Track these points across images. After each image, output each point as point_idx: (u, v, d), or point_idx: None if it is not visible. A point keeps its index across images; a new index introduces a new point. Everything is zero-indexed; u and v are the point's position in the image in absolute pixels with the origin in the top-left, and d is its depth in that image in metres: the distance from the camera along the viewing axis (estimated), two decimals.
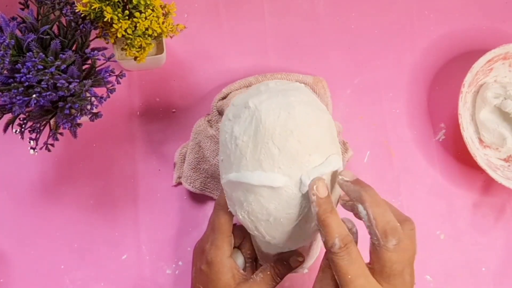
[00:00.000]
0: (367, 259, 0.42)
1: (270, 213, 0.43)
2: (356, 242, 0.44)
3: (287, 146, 0.41)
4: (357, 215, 0.44)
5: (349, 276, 0.39)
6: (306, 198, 0.42)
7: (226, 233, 0.49)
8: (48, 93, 0.45)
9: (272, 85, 0.46)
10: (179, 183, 0.61)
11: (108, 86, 0.49)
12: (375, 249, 0.40)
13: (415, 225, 0.43)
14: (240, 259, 0.51)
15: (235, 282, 0.47)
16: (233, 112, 0.45)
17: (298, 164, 0.41)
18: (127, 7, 0.51)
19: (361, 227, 0.44)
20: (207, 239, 0.49)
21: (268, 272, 0.48)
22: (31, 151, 0.49)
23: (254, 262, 0.52)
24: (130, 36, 0.52)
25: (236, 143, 0.43)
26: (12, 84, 0.45)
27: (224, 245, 0.48)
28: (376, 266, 0.40)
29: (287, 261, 0.49)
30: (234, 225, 0.51)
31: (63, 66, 0.46)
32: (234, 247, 0.52)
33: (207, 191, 0.60)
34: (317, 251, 0.52)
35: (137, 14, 0.51)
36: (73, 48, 0.50)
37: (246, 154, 0.42)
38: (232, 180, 0.43)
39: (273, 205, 0.42)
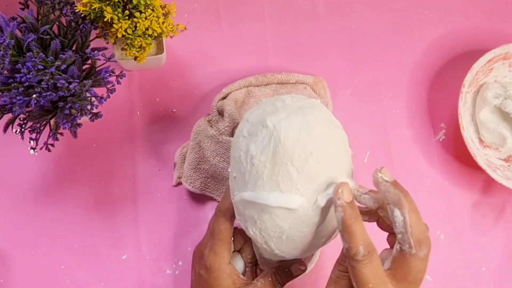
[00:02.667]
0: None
1: (283, 231, 0.42)
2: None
3: (306, 167, 0.40)
4: (375, 214, 0.43)
5: (370, 285, 0.38)
6: (320, 215, 0.42)
7: (226, 240, 0.48)
8: (48, 93, 0.45)
9: (288, 101, 0.45)
10: (179, 183, 0.61)
11: (108, 86, 0.49)
12: (402, 256, 0.39)
13: (429, 229, 0.42)
14: (240, 263, 0.51)
15: (235, 287, 0.47)
16: (248, 129, 0.44)
17: (316, 185, 0.41)
18: (127, 7, 0.51)
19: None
20: (206, 245, 0.49)
21: (270, 279, 0.48)
22: (31, 151, 0.49)
23: (254, 266, 0.51)
24: (130, 36, 0.52)
25: (252, 162, 0.42)
26: (12, 84, 0.45)
27: (223, 252, 0.48)
28: (398, 272, 0.39)
29: (288, 268, 0.48)
30: (235, 229, 0.51)
31: (63, 66, 0.46)
32: (234, 251, 0.51)
33: (207, 191, 0.60)
34: (318, 255, 0.52)
35: (137, 14, 0.51)
36: (73, 48, 0.50)
37: (263, 174, 0.41)
38: (246, 199, 0.43)
39: (288, 224, 0.42)
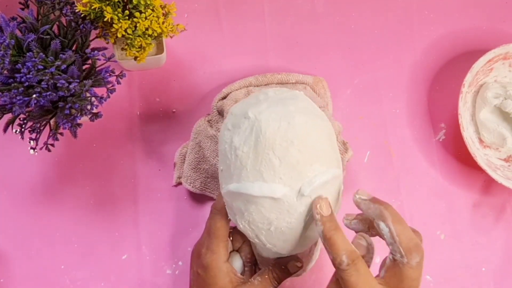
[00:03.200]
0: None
1: (271, 223, 0.42)
2: (372, 258, 0.44)
3: (288, 156, 0.41)
4: (370, 232, 0.44)
5: None
6: (306, 206, 0.42)
7: (222, 238, 0.48)
8: (48, 93, 0.45)
9: (271, 94, 0.45)
10: (179, 183, 0.61)
11: (108, 86, 0.49)
12: (395, 265, 0.40)
13: (422, 237, 0.43)
14: (238, 263, 0.51)
15: (233, 285, 0.47)
16: (232, 122, 0.44)
17: (299, 174, 0.41)
18: (127, 7, 0.51)
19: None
20: (203, 244, 0.49)
21: (266, 276, 0.48)
22: (31, 151, 0.49)
23: (253, 266, 0.51)
24: (130, 36, 0.52)
25: (236, 153, 0.42)
26: (12, 84, 0.45)
27: (220, 250, 0.48)
28: (392, 281, 0.40)
29: (285, 265, 0.48)
30: (234, 228, 0.51)
31: (63, 66, 0.46)
32: (233, 251, 0.51)
33: (207, 191, 0.60)
34: (317, 254, 0.52)
35: (137, 14, 0.51)
36: (73, 48, 0.50)
37: (247, 165, 0.42)
38: (232, 190, 0.43)
39: (274, 214, 0.42)
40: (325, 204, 0.41)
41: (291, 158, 0.41)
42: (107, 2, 0.50)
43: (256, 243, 0.46)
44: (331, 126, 0.45)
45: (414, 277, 0.40)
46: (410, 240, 0.40)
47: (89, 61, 0.50)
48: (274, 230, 0.43)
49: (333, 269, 0.41)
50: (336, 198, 0.45)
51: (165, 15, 0.54)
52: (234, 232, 0.51)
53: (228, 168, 0.44)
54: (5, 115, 0.49)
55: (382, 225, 0.40)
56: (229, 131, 0.44)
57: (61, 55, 0.46)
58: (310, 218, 0.43)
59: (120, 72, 0.50)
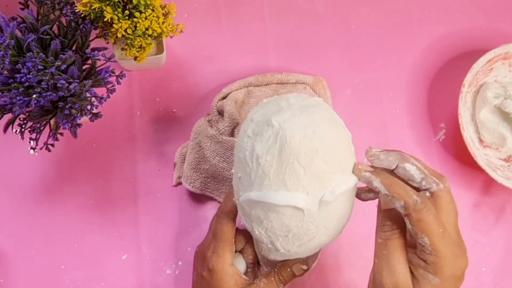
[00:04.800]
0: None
1: (290, 230, 0.42)
2: None
3: (313, 166, 0.41)
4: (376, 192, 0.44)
5: (440, 230, 0.39)
6: (327, 213, 0.42)
7: (229, 242, 0.48)
8: (48, 93, 0.45)
9: (292, 100, 0.44)
10: (179, 183, 0.61)
11: (108, 86, 0.49)
12: (434, 197, 0.41)
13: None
14: (242, 264, 0.51)
15: (238, 287, 0.47)
16: (253, 129, 0.43)
17: (322, 183, 0.41)
18: (127, 7, 0.51)
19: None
20: (209, 246, 0.49)
21: (272, 278, 0.48)
22: (31, 151, 0.49)
23: (255, 266, 0.52)
24: (130, 36, 0.52)
25: (258, 162, 0.42)
26: (12, 84, 0.45)
27: (226, 253, 0.48)
28: (440, 214, 0.40)
29: (291, 268, 0.48)
30: (236, 229, 0.51)
31: (63, 66, 0.46)
32: (236, 251, 0.51)
33: (207, 191, 0.60)
34: (320, 253, 0.52)
35: (137, 14, 0.51)
36: (73, 48, 0.50)
37: (270, 174, 0.41)
38: (253, 199, 0.42)
39: (294, 222, 0.42)
40: (364, 165, 0.43)
41: (316, 168, 0.41)
42: (107, 2, 0.50)
43: (267, 248, 0.46)
44: (349, 132, 0.45)
45: (451, 199, 0.41)
46: (433, 170, 0.42)
47: (89, 61, 0.50)
48: (292, 237, 0.43)
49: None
50: (353, 203, 0.45)
51: (165, 15, 0.54)
52: (237, 233, 0.51)
53: (248, 176, 0.43)
54: (5, 115, 0.49)
55: (408, 166, 0.42)
56: (249, 138, 0.43)
57: (61, 55, 0.46)
58: (328, 224, 0.43)
59: (120, 72, 0.50)
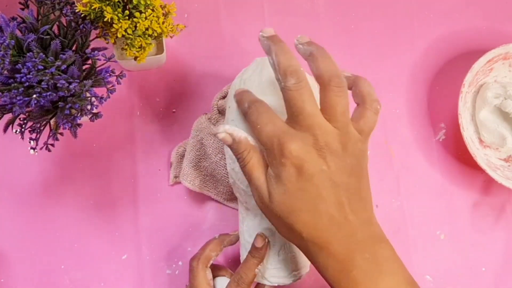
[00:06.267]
0: None
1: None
2: None
3: None
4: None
5: (265, 120, 0.42)
6: None
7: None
8: (48, 93, 0.45)
9: None
10: (176, 183, 0.61)
11: (108, 86, 0.49)
12: (283, 91, 0.42)
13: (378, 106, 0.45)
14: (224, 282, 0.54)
15: None
16: (239, 80, 0.52)
17: None
18: (127, 7, 0.51)
19: None
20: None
21: None
22: (31, 151, 0.49)
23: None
24: (130, 36, 0.52)
25: (245, 83, 0.50)
26: (12, 84, 0.45)
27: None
28: (286, 109, 0.42)
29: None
30: (211, 240, 0.55)
31: (63, 66, 0.46)
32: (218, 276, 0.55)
33: (205, 190, 0.60)
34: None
35: (137, 14, 0.51)
36: (73, 48, 0.50)
37: (253, 86, 0.49)
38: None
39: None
40: (269, 30, 0.46)
41: None
42: (107, 2, 0.50)
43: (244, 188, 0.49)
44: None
45: (296, 99, 0.41)
46: (287, 66, 0.42)
47: (89, 61, 0.50)
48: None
49: None
50: None
51: (165, 15, 0.54)
52: (212, 242, 0.55)
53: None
54: (5, 115, 0.49)
55: (269, 59, 0.44)
56: (238, 77, 0.53)
57: (61, 55, 0.46)
58: None
59: (120, 72, 0.50)
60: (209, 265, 0.53)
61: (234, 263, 0.60)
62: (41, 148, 0.49)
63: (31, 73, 0.45)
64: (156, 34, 0.53)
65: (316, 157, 0.40)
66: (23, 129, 0.49)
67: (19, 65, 0.46)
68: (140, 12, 0.51)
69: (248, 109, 0.44)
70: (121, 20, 0.51)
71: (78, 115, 0.48)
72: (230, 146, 0.44)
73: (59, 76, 0.46)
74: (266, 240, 0.50)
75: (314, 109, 0.41)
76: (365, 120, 0.43)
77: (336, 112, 0.41)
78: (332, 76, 0.41)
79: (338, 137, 0.41)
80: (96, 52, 0.49)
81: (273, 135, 0.41)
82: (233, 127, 0.45)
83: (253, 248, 0.50)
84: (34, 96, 0.45)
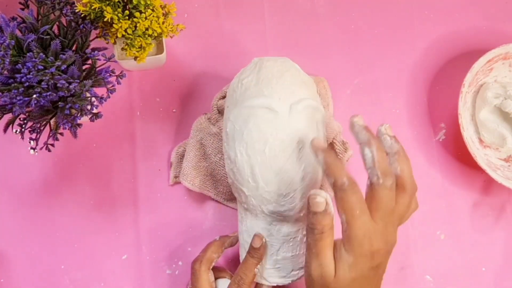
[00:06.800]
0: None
1: (266, 141, 0.48)
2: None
3: (283, 78, 0.51)
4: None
5: (357, 211, 0.42)
6: (296, 130, 0.49)
7: None
8: (48, 93, 0.45)
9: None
10: (176, 183, 0.61)
11: (108, 86, 0.49)
12: (373, 188, 0.43)
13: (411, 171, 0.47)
14: (225, 283, 0.54)
15: None
16: (237, 80, 0.54)
17: (291, 92, 0.50)
18: (127, 7, 0.51)
19: None
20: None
21: None
22: (31, 151, 0.49)
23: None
24: (130, 36, 0.52)
25: (242, 83, 0.52)
26: (13, 85, 0.45)
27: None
28: (372, 203, 0.43)
29: None
30: (212, 242, 0.55)
31: (63, 67, 0.46)
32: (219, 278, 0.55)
33: (205, 190, 0.60)
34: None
35: (137, 14, 0.51)
36: (73, 48, 0.50)
37: (250, 87, 0.51)
38: (237, 107, 0.50)
39: (270, 130, 0.48)
40: (319, 140, 0.47)
41: (285, 80, 0.50)
42: (107, 2, 0.50)
43: (249, 186, 0.49)
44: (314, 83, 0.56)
45: (390, 197, 0.43)
46: (386, 166, 0.44)
47: (89, 61, 0.50)
48: (268, 152, 0.48)
49: None
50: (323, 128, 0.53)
51: (165, 15, 0.54)
52: (213, 244, 0.55)
53: (235, 98, 0.52)
54: (5, 115, 0.49)
55: (366, 150, 0.45)
56: (237, 77, 0.54)
57: (61, 55, 0.46)
58: (304, 162, 0.49)
59: (120, 72, 0.50)
60: (211, 267, 0.53)
61: (234, 263, 0.60)
62: (41, 148, 0.49)
63: (31, 73, 0.45)
64: (156, 34, 0.53)
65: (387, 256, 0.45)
66: (23, 129, 0.49)
67: (19, 65, 0.46)
68: (140, 12, 0.51)
69: (348, 186, 0.43)
70: (121, 20, 0.51)
71: (78, 115, 0.48)
72: (315, 213, 0.43)
73: (59, 76, 0.46)
74: (264, 240, 0.50)
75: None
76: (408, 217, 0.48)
77: (402, 218, 0.46)
78: (413, 184, 0.46)
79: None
80: (96, 52, 0.49)
81: (365, 231, 0.42)
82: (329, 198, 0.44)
83: (251, 248, 0.50)
84: (34, 96, 0.45)
